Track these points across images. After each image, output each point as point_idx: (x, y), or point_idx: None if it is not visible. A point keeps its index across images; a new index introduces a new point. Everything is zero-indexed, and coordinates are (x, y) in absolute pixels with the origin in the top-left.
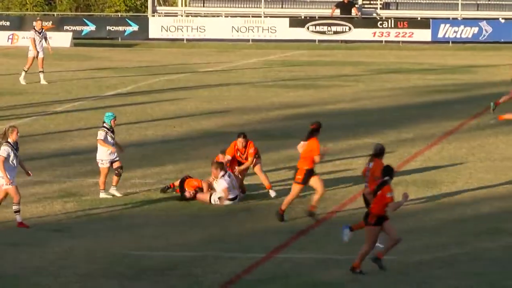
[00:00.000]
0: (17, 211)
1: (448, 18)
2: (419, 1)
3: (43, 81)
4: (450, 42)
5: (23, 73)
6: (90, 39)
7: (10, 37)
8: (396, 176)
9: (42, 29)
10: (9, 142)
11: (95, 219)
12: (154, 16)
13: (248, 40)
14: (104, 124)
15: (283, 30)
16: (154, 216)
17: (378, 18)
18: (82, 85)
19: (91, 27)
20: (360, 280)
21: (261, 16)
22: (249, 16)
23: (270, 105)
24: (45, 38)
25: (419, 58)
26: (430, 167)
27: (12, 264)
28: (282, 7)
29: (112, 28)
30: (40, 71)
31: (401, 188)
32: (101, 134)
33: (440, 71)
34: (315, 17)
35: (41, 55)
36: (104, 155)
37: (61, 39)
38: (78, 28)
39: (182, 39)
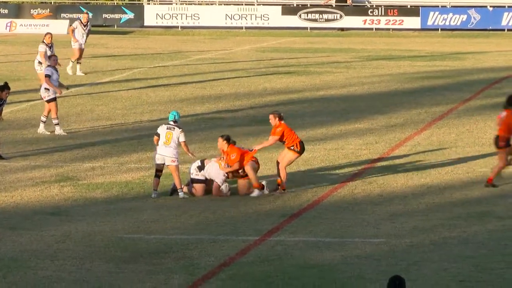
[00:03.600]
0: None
1: (437, 6)
2: None
3: (69, 70)
4: (439, 30)
5: (71, 63)
6: None
7: (8, 24)
8: (386, 161)
9: (88, 22)
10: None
11: (91, 203)
12: (149, 4)
13: (241, 28)
14: (175, 123)
15: (276, 18)
16: (150, 200)
17: (369, 6)
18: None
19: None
20: (351, 262)
21: (254, 4)
22: (242, 4)
23: (262, 91)
24: (89, 32)
25: (408, 45)
26: (420, 152)
27: (10, 247)
28: None
29: (108, 16)
30: (78, 62)
31: (390, 174)
32: (182, 134)
33: (429, 58)
34: (307, 5)
35: (83, 47)
36: (175, 156)
37: (58, 27)
38: (75, 15)
39: (177, 27)
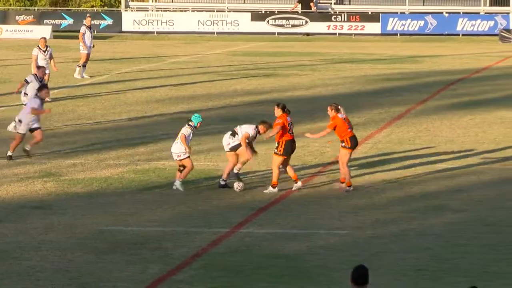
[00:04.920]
0: None
1: (397, 13)
2: None
3: (77, 75)
4: (398, 34)
5: (78, 69)
6: (68, 31)
7: None
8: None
9: (90, 26)
10: None
11: (73, 197)
12: (127, 10)
13: (213, 33)
14: (191, 123)
15: (245, 24)
16: (128, 194)
17: (333, 13)
18: (61, 74)
19: (69, 21)
20: (316, 252)
21: (225, 11)
22: (214, 11)
23: (233, 92)
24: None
25: (369, 49)
26: (380, 149)
27: None
28: (244, 3)
29: None
30: (81, 65)
31: (353, 170)
32: (186, 130)
33: (389, 61)
34: (275, 11)
35: (88, 51)
36: (181, 151)
37: (42, 32)
38: (57, 21)
39: (153, 32)
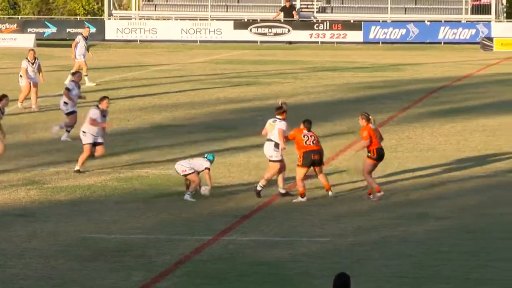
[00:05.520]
0: None
1: (379, 21)
2: (352, 5)
3: (89, 83)
4: (380, 43)
5: (86, 78)
6: (52, 40)
7: None
8: (331, 166)
9: (87, 36)
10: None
11: (56, 205)
12: (110, 19)
13: (196, 41)
14: (207, 161)
15: (228, 32)
16: (111, 202)
17: (315, 21)
18: (45, 83)
19: (52, 29)
20: (298, 259)
21: (207, 19)
22: (196, 19)
23: (216, 100)
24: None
25: (352, 57)
26: (363, 157)
27: None
28: (227, 11)
29: (72, 30)
30: (86, 74)
31: (337, 175)
32: (201, 164)
33: (371, 69)
34: (257, 20)
35: (84, 59)
36: (189, 170)
37: (25, 40)
38: (40, 30)
39: (136, 40)
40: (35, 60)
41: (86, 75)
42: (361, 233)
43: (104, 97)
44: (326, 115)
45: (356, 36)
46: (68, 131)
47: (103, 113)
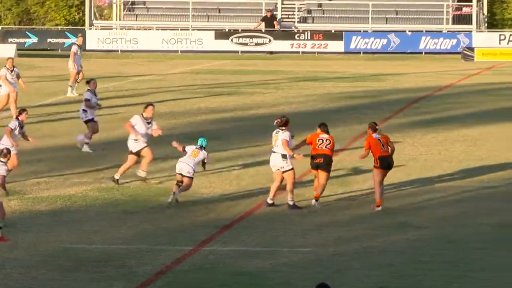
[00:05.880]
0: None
1: (360, 31)
2: (333, 15)
3: (70, 94)
4: (361, 53)
5: (69, 88)
6: (33, 50)
7: None
8: (312, 175)
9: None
10: None
11: (37, 215)
12: (91, 29)
13: (177, 51)
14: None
15: (209, 42)
16: (91, 212)
17: (296, 31)
18: (25, 93)
19: (34, 39)
20: (280, 269)
21: (189, 29)
22: (178, 29)
23: (197, 110)
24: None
25: (333, 67)
26: (344, 167)
27: None
28: (208, 21)
29: (53, 40)
30: (71, 85)
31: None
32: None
33: (352, 79)
34: (239, 30)
35: (79, 69)
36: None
37: (6, 50)
38: (21, 40)
39: (117, 50)
40: (13, 68)
41: (71, 86)
42: (342, 243)
43: (149, 104)
44: (307, 125)
45: (337, 46)
46: (87, 143)
47: (148, 120)
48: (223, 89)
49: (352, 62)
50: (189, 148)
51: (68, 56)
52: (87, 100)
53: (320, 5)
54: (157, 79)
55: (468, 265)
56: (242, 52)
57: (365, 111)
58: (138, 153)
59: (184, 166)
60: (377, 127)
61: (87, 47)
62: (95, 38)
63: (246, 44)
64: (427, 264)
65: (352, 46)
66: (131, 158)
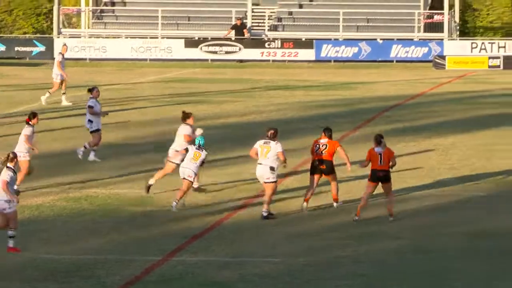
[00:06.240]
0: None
1: (330, 39)
2: (304, 23)
3: (65, 103)
4: (332, 61)
5: (47, 94)
6: (0, 58)
7: None
8: (283, 185)
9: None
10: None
11: None
12: (59, 37)
13: (146, 60)
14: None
15: (179, 50)
16: (59, 222)
17: (266, 39)
18: None
19: (1, 48)
20: (249, 280)
21: (158, 37)
22: (147, 38)
23: (167, 119)
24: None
25: (303, 76)
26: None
27: None
28: (177, 29)
29: (21, 49)
30: (63, 93)
31: (287, 197)
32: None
33: (323, 87)
34: (208, 38)
35: (62, 78)
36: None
37: None
38: None
39: (85, 59)
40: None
41: (48, 95)
42: (313, 253)
43: (190, 114)
44: (278, 134)
45: (307, 54)
46: (95, 150)
47: (193, 128)
48: (192, 98)
49: (323, 70)
50: (191, 150)
51: (36, 65)
52: (90, 107)
53: (290, 13)
54: (126, 87)
55: (442, 275)
56: (212, 60)
57: (336, 120)
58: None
59: (186, 170)
60: (381, 140)
61: (55, 56)
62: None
63: (215, 52)
64: (400, 274)
65: (323, 54)
66: (171, 167)
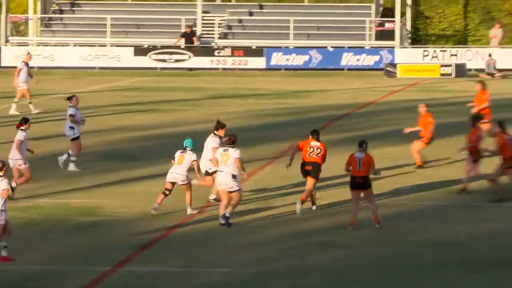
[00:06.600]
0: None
1: (281, 47)
2: (254, 31)
3: (13, 111)
4: (283, 69)
5: (15, 106)
6: None
7: None
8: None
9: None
10: None
11: None
12: (6, 45)
13: (95, 68)
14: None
15: (128, 59)
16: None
17: (216, 47)
18: None
19: None
20: None
21: (106, 46)
22: (95, 46)
23: (116, 128)
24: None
25: (254, 84)
26: (265, 185)
27: None
28: (126, 37)
29: None
30: (29, 102)
31: (238, 207)
32: (193, 156)
33: (274, 96)
34: (158, 46)
35: (23, 86)
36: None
37: None
38: None
39: (33, 67)
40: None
41: (30, 103)
42: (263, 263)
43: (224, 125)
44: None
45: (258, 62)
46: (73, 161)
47: (221, 140)
48: (142, 107)
49: (274, 78)
50: (176, 156)
51: None
52: (72, 115)
53: (240, 20)
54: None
55: (391, 285)
56: (161, 68)
57: (287, 128)
58: (211, 173)
59: (176, 175)
60: (362, 145)
61: (3, 64)
62: (11, 54)
63: (165, 60)
64: (350, 284)
65: (273, 62)
66: (210, 180)
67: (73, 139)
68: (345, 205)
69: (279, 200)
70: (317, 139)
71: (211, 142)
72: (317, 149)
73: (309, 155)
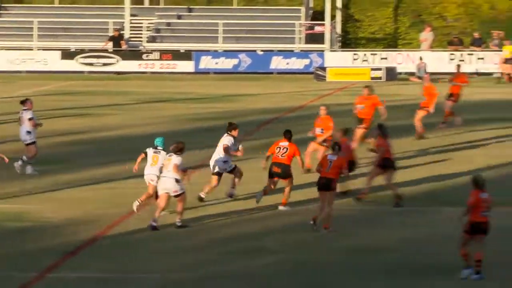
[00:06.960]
0: None
1: (209, 51)
2: (182, 35)
3: None
4: (212, 73)
5: None
6: None
7: None
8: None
9: None
10: None
11: None
12: None
13: (21, 72)
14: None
15: (55, 62)
16: None
17: (144, 51)
18: None
19: None
20: None
21: (33, 49)
22: (22, 49)
23: (44, 133)
24: None
25: (183, 88)
26: (194, 191)
27: None
28: (54, 41)
29: None
30: None
31: (167, 211)
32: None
33: (203, 100)
34: (85, 49)
35: None
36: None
37: None
38: None
39: None
40: None
41: None
42: (192, 268)
43: (236, 126)
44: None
45: (186, 66)
46: (31, 163)
47: (234, 139)
48: (71, 111)
49: (203, 82)
50: (149, 154)
51: None
52: (31, 119)
53: (168, 24)
54: (2, 101)
55: None
56: (88, 72)
57: (218, 133)
58: (220, 174)
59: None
60: (335, 147)
61: None
62: None
63: (92, 64)
64: None
65: (202, 66)
66: (215, 179)
67: (29, 144)
68: (272, 210)
69: (209, 205)
70: (289, 139)
71: (225, 140)
72: (283, 149)
73: (276, 155)
